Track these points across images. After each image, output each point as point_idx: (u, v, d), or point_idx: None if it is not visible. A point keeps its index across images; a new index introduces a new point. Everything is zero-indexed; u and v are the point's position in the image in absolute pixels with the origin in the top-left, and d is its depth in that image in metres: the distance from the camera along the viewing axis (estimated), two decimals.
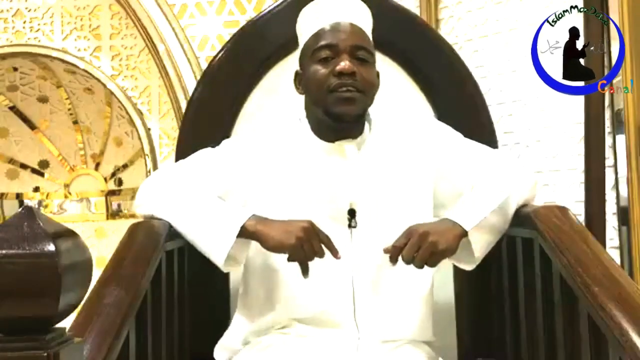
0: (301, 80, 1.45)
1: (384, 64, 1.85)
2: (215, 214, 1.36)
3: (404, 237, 1.28)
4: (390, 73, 1.84)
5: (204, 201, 1.40)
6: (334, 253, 1.28)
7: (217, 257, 1.33)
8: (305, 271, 1.28)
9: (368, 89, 1.39)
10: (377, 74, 1.45)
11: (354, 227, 1.38)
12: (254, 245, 1.41)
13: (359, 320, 1.35)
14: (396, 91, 1.84)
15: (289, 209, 1.38)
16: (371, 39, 1.46)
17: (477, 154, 1.50)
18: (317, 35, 1.41)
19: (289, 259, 1.29)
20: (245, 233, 1.31)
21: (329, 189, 1.40)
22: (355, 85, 1.36)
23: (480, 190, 1.42)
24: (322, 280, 1.36)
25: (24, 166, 3.76)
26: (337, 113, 1.37)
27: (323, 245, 1.28)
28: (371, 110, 1.47)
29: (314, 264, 1.35)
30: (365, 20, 1.45)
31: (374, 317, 1.36)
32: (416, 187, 1.44)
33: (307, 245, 1.27)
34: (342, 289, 1.36)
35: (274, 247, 1.29)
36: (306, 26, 1.45)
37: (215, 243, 1.33)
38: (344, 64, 1.35)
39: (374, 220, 1.39)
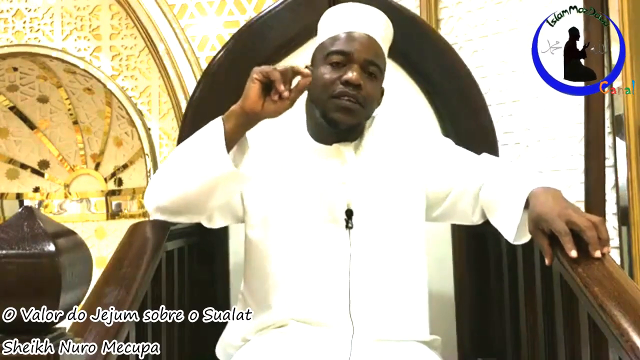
0: None
1: None
2: (194, 142, 1.34)
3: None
4: (390, 73, 1.84)
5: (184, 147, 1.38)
6: (302, 72, 1.25)
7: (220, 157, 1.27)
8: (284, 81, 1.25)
9: (368, 103, 1.41)
10: (382, 91, 1.48)
11: (351, 228, 1.40)
12: (253, 243, 1.43)
13: (354, 319, 1.35)
14: (396, 91, 1.83)
15: (286, 211, 1.41)
16: (386, 53, 1.47)
17: (464, 156, 1.53)
18: (335, 39, 1.42)
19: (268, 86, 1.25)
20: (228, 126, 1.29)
21: (326, 191, 1.41)
22: (357, 98, 1.38)
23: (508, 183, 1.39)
24: (319, 280, 1.38)
25: (24, 166, 3.76)
26: (333, 119, 1.39)
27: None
28: (376, 112, 1.48)
29: (312, 265, 1.36)
30: (385, 36, 1.46)
31: (369, 316, 1.37)
32: (410, 189, 1.47)
33: (262, 71, 1.26)
34: (338, 289, 1.37)
35: (246, 95, 1.28)
36: (328, 25, 1.46)
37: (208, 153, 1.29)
38: (352, 75, 1.37)
39: (371, 222, 1.41)
